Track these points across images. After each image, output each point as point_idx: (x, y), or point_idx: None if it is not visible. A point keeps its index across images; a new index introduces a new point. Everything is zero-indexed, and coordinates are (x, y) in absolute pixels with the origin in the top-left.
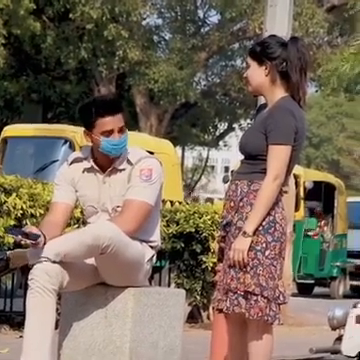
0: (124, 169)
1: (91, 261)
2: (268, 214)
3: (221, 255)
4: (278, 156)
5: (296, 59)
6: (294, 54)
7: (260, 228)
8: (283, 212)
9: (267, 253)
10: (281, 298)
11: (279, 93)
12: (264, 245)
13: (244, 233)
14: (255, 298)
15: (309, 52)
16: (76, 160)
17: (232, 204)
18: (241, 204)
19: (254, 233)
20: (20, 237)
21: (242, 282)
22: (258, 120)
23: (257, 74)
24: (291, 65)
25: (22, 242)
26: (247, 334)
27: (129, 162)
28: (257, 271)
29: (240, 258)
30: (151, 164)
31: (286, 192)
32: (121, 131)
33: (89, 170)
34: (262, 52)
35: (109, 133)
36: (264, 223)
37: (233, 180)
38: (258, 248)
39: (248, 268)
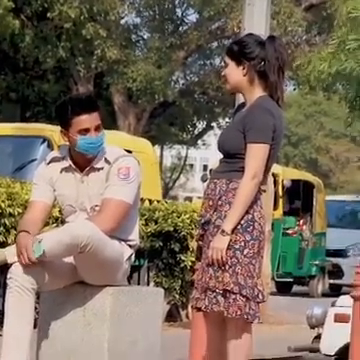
0: (102, 168)
1: (70, 260)
2: (247, 213)
3: (200, 254)
4: (256, 155)
5: (274, 58)
6: (272, 53)
7: (239, 227)
8: (261, 211)
9: (245, 252)
10: (260, 296)
11: (257, 92)
12: (243, 244)
13: (222, 232)
14: (234, 297)
15: (286, 51)
16: (54, 159)
17: (211, 203)
18: (220, 203)
19: (232, 232)
20: None
21: (220, 281)
22: (236, 119)
23: (235, 73)
24: (269, 64)
25: None
26: (226, 333)
27: (107, 161)
28: (236, 270)
29: (218, 257)
30: (129, 163)
31: (264, 191)
32: (97, 129)
33: (67, 169)
34: (240, 51)
35: (86, 131)
36: (243, 222)
37: (212, 179)
38: (237, 247)
39: (227, 267)
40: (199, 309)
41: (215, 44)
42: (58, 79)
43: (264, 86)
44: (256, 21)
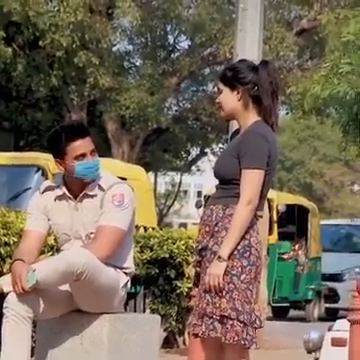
0: (96, 195)
1: (66, 288)
2: (243, 238)
3: (197, 280)
4: (251, 180)
5: (267, 83)
6: (265, 78)
7: (235, 252)
8: (258, 236)
9: (243, 277)
10: (257, 322)
11: (252, 117)
12: (240, 269)
13: (219, 258)
14: (231, 322)
15: (279, 75)
16: (48, 188)
17: (207, 229)
18: (216, 229)
19: (229, 257)
20: None
21: (218, 306)
22: (231, 145)
23: (229, 99)
24: (262, 89)
25: None
26: (223, 359)
27: (101, 188)
28: (233, 295)
29: (216, 283)
30: (123, 190)
31: (261, 216)
32: (93, 153)
33: (61, 197)
34: (233, 77)
35: (82, 157)
36: (239, 247)
37: (208, 205)
38: (234, 272)
39: (224, 292)
40: (196, 335)
41: (207, 70)
42: (51, 107)
43: (258, 111)
44: (248, 46)
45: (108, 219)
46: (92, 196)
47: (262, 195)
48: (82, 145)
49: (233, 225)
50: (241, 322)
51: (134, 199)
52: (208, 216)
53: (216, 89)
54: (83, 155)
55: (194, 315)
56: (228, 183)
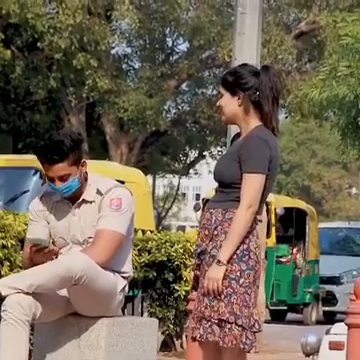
0: (94, 200)
1: (64, 292)
2: (242, 243)
3: (196, 283)
4: (252, 185)
5: (268, 89)
6: (266, 83)
7: (234, 256)
8: (257, 241)
9: (241, 281)
10: (256, 326)
11: (253, 122)
12: (238, 273)
13: (218, 262)
14: (229, 326)
15: (280, 80)
16: (47, 193)
17: (206, 232)
18: (215, 232)
19: (228, 262)
20: None
21: (216, 310)
22: (232, 149)
23: (230, 104)
24: (263, 95)
25: None
26: None
27: (99, 192)
28: (231, 299)
29: (214, 287)
30: (121, 194)
31: (261, 221)
32: (63, 179)
33: (59, 202)
34: (235, 82)
35: (51, 179)
36: (238, 251)
37: (208, 208)
38: (232, 276)
39: (222, 296)
40: (194, 339)
41: (206, 73)
42: (49, 110)
43: (259, 116)
44: (247, 50)
45: (106, 223)
46: (90, 202)
47: (262, 199)
48: (49, 170)
49: (233, 229)
50: (239, 326)
51: (133, 203)
52: (207, 219)
53: (218, 93)
54: (51, 179)
55: (193, 319)
56: (228, 187)
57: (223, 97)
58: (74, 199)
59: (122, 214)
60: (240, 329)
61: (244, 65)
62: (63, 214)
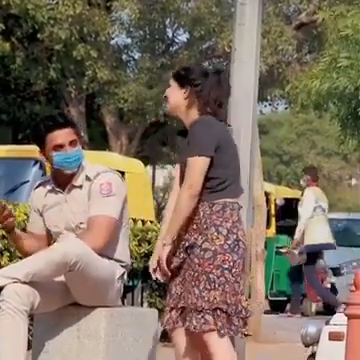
0: (82, 185)
1: (62, 281)
2: (231, 233)
3: (176, 275)
4: (192, 167)
5: (214, 90)
6: (212, 86)
7: (226, 247)
8: (244, 228)
9: (233, 271)
10: (243, 312)
11: (193, 116)
12: (231, 264)
13: (164, 245)
14: (222, 315)
15: (229, 84)
16: (40, 184)
17: (194, 226)
18: (205, 226)
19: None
20: None
21: (206, 300)
22: (185, 144)
23: (177, 95)
24: (205, 94)
25: None
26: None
27: (88, 178)
28: (225, 289)
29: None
30: (110, 178)
31: (241, 207)
32: (72, 144)
33: (51, 191)
34: (185, 76)
35: (60, 147)
36: (229, 242)
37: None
38: (225, 266)
39: (216, 285)
40: (187, 331)
41: (206, 64)
42: (49, 100)
43: (201, 113)
44: (246, 40)
45: (98, 209)
46: (79, 187)
47: (234, 180)
48: (60, 135)
49: (175, 211)
50: (226, 313)
51: (123, 187)
52: (194, 214)
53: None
54: (61, 146)
55: (173, 310)
56: (204, 180)
57: (171, 87)
58: (64, 186)
59: (113, 198)
60: (226, 316)
61: (199, 65)
62: (55, 202)
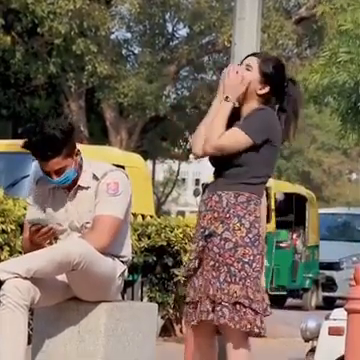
0: (89, 186)
1: (63, 277)
2: (253, 227)
3: (198, 266)
4: (233, 135)
5: (294, 99)
6: (295, 94)
7: (247, 240)
8: (262, 227)
9: (254, 265)
10: (268, 311)
11: (254, 104)
12: (251, 257)
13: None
14: (244, 310)
15: (303, 96)
16: (43, 178)
17: (216, 215)
18: (227, 215)
19: (243, 245)
20: None
21: (226, 293)
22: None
23: (253, 84)
24: (288, 102)
25: None
26: (214, 345)
27: (95, 177)
28: (246, 283)
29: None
30: (117, 177)
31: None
32: (58, 173)
33: (55, 189)
34: (273, 75)
35: (47, 173)
36: (251, 236)
37: (215, 190)
38: (246, 260)
39: (237, 279)
40: (201, 322)
41: (206, 58)
42: (49, 95)
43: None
44: (247, 35)
45: (104, 209)
46: (86, 187)
47: (265, 181)
48: (44, 165)
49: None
50: (253, 310)
51: (129, 186)
52: (216, 202)
53: (247, 66)
54: (47, 173)
55: (195, 302)
56: (231, 166)
57: (252, 71)
58: (70, 185)
59: (119, 198)
60: (253, 313)
61: (281, 64)
62: (60, 201)
